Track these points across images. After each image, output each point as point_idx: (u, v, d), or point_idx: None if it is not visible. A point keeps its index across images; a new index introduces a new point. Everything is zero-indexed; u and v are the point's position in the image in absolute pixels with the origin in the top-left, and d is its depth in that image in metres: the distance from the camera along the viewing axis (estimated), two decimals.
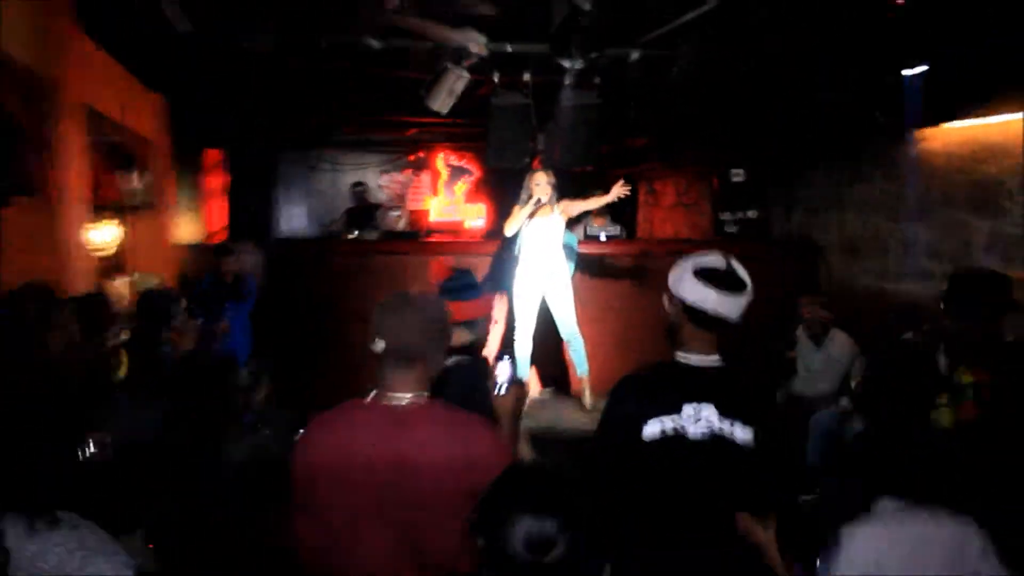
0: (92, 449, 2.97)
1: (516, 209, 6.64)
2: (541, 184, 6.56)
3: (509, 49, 6.96)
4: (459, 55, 6.75)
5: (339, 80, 8.26)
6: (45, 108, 4.52)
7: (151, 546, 2.56)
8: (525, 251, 6.67)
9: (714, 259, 2.58)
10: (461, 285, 3.17)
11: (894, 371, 3.62)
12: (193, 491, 2.84)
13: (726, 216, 9.69)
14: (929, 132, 7.24)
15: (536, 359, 6.99)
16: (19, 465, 1.98)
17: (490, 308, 3.45)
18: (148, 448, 3.03)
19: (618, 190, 6.59)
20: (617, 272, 8.05)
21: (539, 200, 6.52)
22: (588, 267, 7.81)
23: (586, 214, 8.59)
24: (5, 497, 1.94)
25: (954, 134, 7.01)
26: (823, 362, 6.80)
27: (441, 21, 6.33)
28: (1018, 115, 6.24)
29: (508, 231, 6.70)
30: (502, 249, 7.36)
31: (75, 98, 4.90)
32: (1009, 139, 6.36)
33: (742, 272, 2.56)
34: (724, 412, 2.46)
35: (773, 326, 7.52)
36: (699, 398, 2.48)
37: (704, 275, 2.52)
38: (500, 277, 7.00)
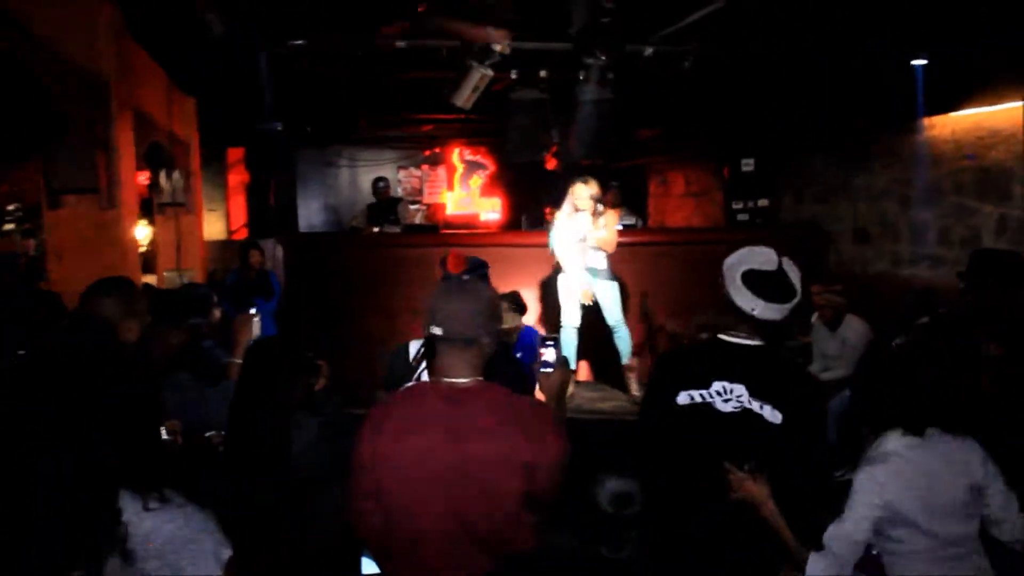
0: (165, 436, 3.13)
1: (557, 216, 6.73)
2: (581, 196, 6.54)
3: (530, 47, 7.11)
4: (483, 54, 6.91)
5: (359, 80, 8.42)
6: (99, 109, 4.69)
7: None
8: (568, 247, 6.68)
9: (765, 260, 2.65)
10: (479, 277, 3.28)
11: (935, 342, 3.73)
12: (262, 473, 2.91)
13: (737, 205, 9.84)
14: (937, 120, 7.42)
15: (581, 349, 7.05)
16: (128, 445, 2.09)
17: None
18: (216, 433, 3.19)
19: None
20: (632, 259, 8.21)
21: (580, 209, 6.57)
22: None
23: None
24: (120, 476, 2.06)
25: (959, 122, 7.19)
26: (838, 348, 6.86)
27: (466, 20, 6.49)
28: (1021, 103, 6.42)
29: (553, 242, 6.79)
30: None
31: (125, 100, 5.08)
32: (1016, 125, 6.55)
33: (793, 275, 2.65)
34: (755, 394, 2.62)
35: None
36: (731, 378, 2.65)
37: (753, 282, 2.61)
38: None
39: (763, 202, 9.63)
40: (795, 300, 2.64)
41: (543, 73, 7.98)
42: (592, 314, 6.87)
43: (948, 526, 2.59)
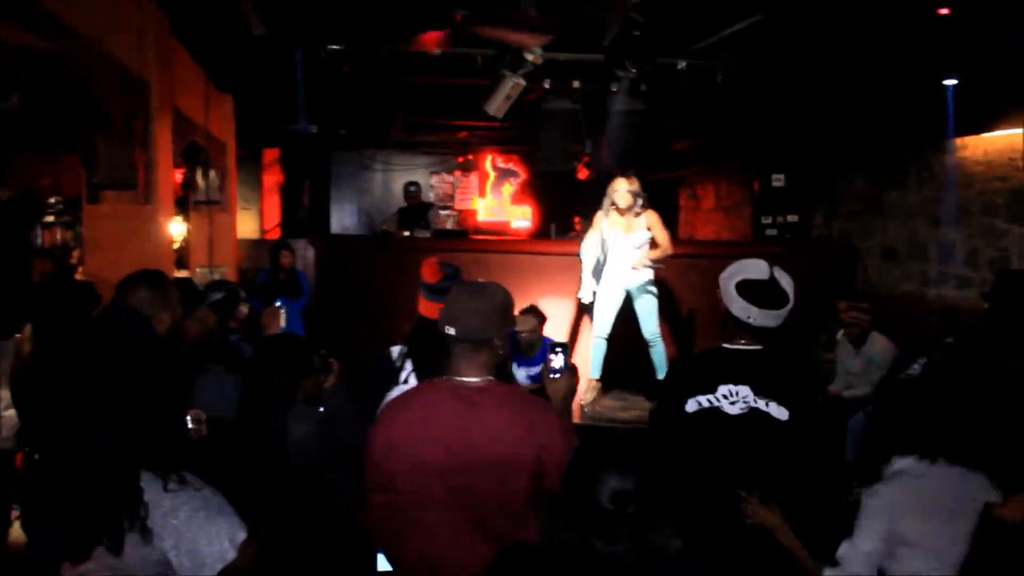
0: (191, 425, 3.24)
1: (596, 216, 6.63)
2: (620, 191, 6.40)
3: (562, 58, 7.18)
4: (516, 63, 6.98)
5: (395, 85, 8.53)
6: (139, 107, 4.82)
7: None
8: (610, 254, 6.58)
9: (757, 270, 2.78)
10: (447, 287, 3.07)
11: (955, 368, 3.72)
12: (261, 462, 3.02)
13: (767, 220, 9.81)
14: (969, 140, 7.41)
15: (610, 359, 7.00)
16: (152, 427, 2.21)
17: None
18: (229, 423, 3.29)
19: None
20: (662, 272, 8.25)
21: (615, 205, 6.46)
22: None
23: None
24: (141, 458, 2.17)
25: (993, 143, 7.16)
26: (862, 365, 6.84)
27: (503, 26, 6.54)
28: None
29: (583, 252, 6.75)
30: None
31: (164, 97, 5.20)
32: None
33: (785, 283, 2.77)
34: (760, 392, 2.71)
35: (812, 329, 7.72)
36: (735, 380, 2.74)
37: (746, 291, 2.74)
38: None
39: (792, 217, 9.61)
40: (788, 306, 2.75)
41: (576, 84, 8.03)
42: (623, 324, 6.86)
43: (950, 554, 2.55)
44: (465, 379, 2.48)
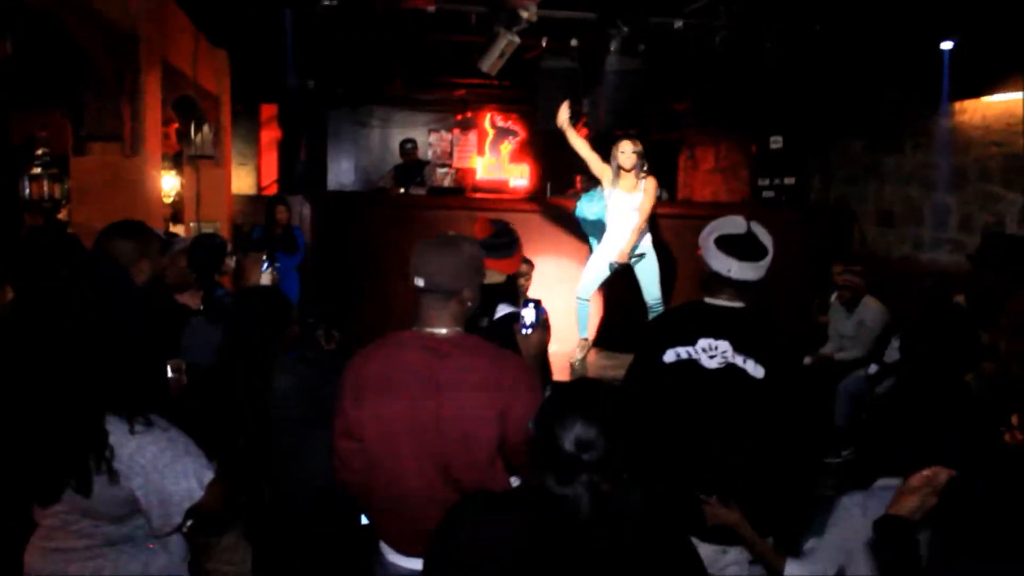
0: (171, 374, 3.26)
1: (605, 178, 6.54)
2: (626, 152, 6.35)
3: (559, 16, 7.12)
4: (511, 20, 6.92)
5: (392, 41, 8.48)
6: (128, 60, 4.80)
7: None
8: (610, 218, 6.57)
9: (735, 225, 2.82)
10: (500, 243, 3.32)
11: (932, 336, 3.74)
12: (245, 413, 3.02)
13: (764, 182, 9.77)
14: (968, 104, 7.35)
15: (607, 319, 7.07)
16: (118, 372, 2.23)
17: (521, 263, 3.64)
18: (209, 371, 3.32)
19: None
20: (657, 232, 8.23)
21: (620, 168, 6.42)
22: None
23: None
24: (107, 401, 2.20)
25: (991, 107, 7.11)
26: (855, 328, 6.87)
27: None
28: None
29: (580, 211, 6.85)
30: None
31: (154, 52, 5.18)
32: None
33: (763, 237, 2.79)
34: (738, 348, 2.74)
35: (806, 291, 7.73)
36: (715, 334, 2.77)
37: (725, 245, 2.78)
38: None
39: (789, 180, 9.55)
40: (767, 257, 2.78)
41: (574, 42, 7.97)
42: (617, 286, 6.90)
43: None
44: (433, 330, 2.50)
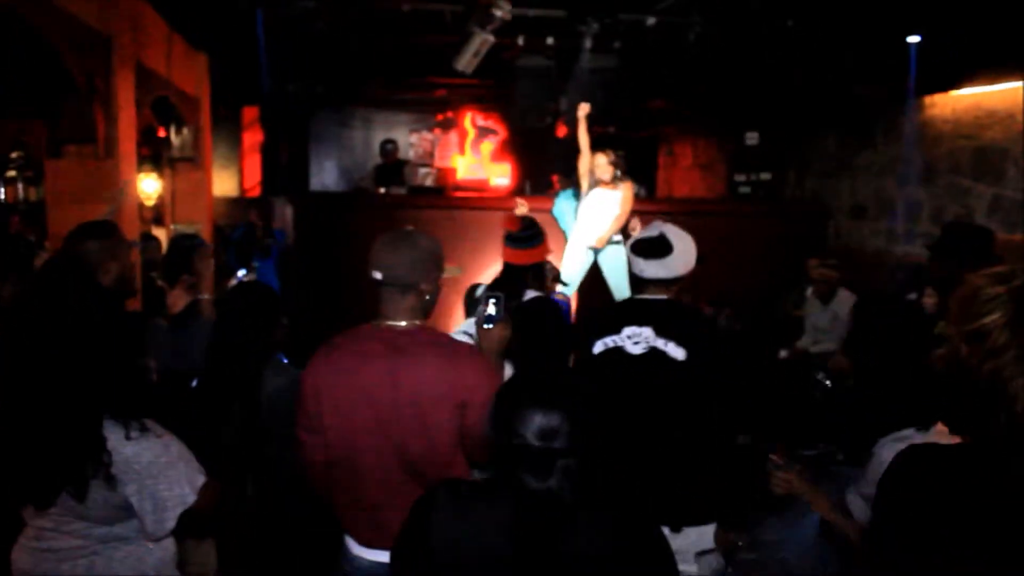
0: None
1: (584, 186, 6.91)
2: (601, 165, 6.74)
3: (531, 14, 7.18)
4: (485, 19, 6.98)
5: (371, 42, 8.51)
6: (99, 62, 4.83)
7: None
8: (583, 218, 6.84)
9: (649, 230, 3.05)
10: (526, 235, 3.72)
11: (881, 323, 3.82)
12: (233, 412, 3.05)
13: (740, 178, 9.86)
14: (937, 99, 7.45)
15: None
16: (111, 378, 2.25)
17: (547, 254, 4.01)
18: (187, 375, 3.31)
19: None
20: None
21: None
22: None
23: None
24: (106, 405, 2.23)
25: (960, 101, 7.21)
26: (829, 321, 6.96)
27: None
28: (1020, 83, 6.43)
29: (555, 211, 7.12)
30: None
31: (127, 54, 5.20)
32: (1013, 106, 6.58)
33: (671, 236, 2.98)
34: (660, 332, 2.89)
35: (782, 285, 7.82)
36: (639, 322, 2.93)
37: (636, 248, 3.01)
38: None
39: (765, 176, 9.65)
40: (671, 254, 2.94)
41: (550, 41, 8.03)
42: (593, 279, 6.96)
43: None
44: (392, 323, 2.55)
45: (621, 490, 2.74)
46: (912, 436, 2.64)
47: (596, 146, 6.91)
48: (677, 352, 2.84)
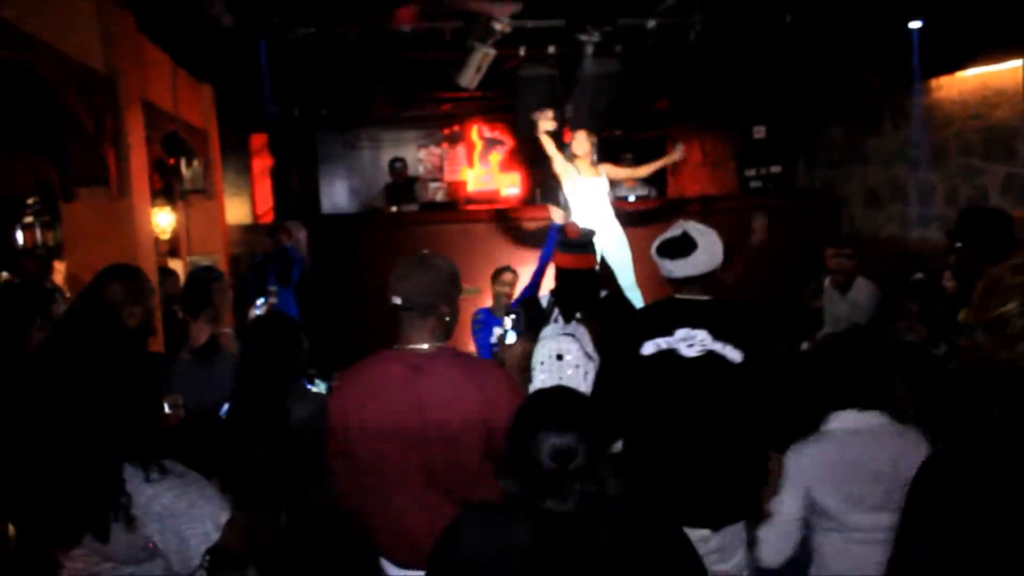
0: (168, 411, 3.29)
1: (559, 169, 6.97)
2: (579, 139, 6.90)
3: (530, 25, 7.20)
4: (484, 33, 7.01)
5: (373, 63, 8.56)
6: (105, 103, 4.88)
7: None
8: (573, 211, 6.84)
9: (672, 231, 3.02)
10: (581, 243, 3.75)
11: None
12: (261, 445, 3.05)
13: (750, 172, 9.81)
14: (943, 81, 7.41)
15: None
16: (129, 421, 2.25)
17: (596, 261, 4.05)
18: (211, 410, 3.34)
19: (676, 155, 7.19)
20: (648, 228, 8.28)
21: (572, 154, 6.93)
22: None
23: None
24: (126, 449, 2.23)
25: (967, 82, 7.17)
26: (848, 310, 6.88)
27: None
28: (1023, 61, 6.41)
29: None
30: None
31: (132, 92, 5.25)
32: (1019, 84, 6.53)
33: (694, 233, 2.95)
34: (717, 336, 2.84)
35: (799, 276, 7.78)
36: (693, 324, 2.88)
37: (660, 251, 2.99)
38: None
39: (775, 169, 9.60)
40: (695, 251, 2.91)
41: (551, 49, 8.06)
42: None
43: (866, 517, 2.60)
44: (414, 347, 2.57)
45: (663, 491, 2.80)
46: (839, 424, 2.73)
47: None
48: (735, 355, 2.82)
